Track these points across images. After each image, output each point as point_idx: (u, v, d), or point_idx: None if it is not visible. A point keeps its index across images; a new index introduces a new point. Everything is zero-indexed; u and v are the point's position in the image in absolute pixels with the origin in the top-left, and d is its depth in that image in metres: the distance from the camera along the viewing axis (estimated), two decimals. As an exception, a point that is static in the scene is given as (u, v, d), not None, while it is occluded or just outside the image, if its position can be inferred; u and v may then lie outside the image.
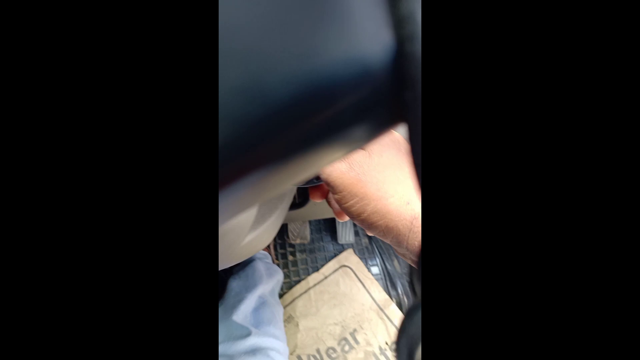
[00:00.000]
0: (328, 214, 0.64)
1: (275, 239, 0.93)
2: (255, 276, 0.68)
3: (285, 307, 0.85)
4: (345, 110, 0.06)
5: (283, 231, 0.92)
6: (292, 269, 0.92)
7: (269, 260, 0.81)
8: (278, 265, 0.87)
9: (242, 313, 0.59)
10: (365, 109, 0.06)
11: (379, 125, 0.07)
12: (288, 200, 0.36)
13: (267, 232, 0.30)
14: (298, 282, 0.90)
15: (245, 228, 0.24)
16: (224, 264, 0.27)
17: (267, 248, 0.85)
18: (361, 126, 0.06)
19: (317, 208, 0.54)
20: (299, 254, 0.93)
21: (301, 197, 0.52)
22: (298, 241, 0.90)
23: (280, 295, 0.87)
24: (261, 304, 0.63)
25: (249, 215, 0.24)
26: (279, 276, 0.77)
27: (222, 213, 0.08)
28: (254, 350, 0.52)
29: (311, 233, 0.93)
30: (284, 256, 0.93)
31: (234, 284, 0.66)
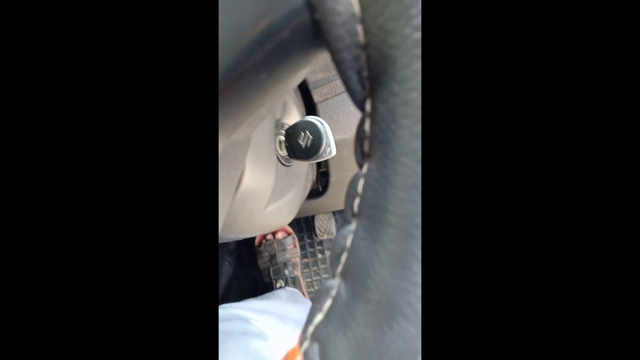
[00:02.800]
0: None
1: (303, 237, 0.97)
2: (272, 298, 0.63)
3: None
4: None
5: (310, 228, 0.96)
6: (321, 266, 0.95)
7: (299, 294, 0.76)
8: (310, 300, 0.80)
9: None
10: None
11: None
12: (306, 182, 0.40)
13: (286, 208, 0.35)
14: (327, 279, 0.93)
15: (265, 196, 0.29)
16: (248, 231, 0.31)
17: (298, 286, 0.82)
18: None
19: (337, 197, 0.57)
20: (327, 251, 0.96)
21: (322, 185, 0.56)
22: (325, 237, 0.93)
23: (311, 293, 0.90)
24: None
25: (267, 185, 0.28)
26: (305, 305, 0.67)
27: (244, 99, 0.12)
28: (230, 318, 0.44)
29: (337, 230, 0.96)
30: (313, 254, 0.96)
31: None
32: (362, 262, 0.10)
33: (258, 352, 0.38)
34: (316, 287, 0.93)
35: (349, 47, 0.09)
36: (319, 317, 0.11)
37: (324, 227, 0.93)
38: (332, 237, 0.94)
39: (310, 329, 0.11)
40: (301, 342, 0.11)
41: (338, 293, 0.11)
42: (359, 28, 0.09)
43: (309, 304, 0.68)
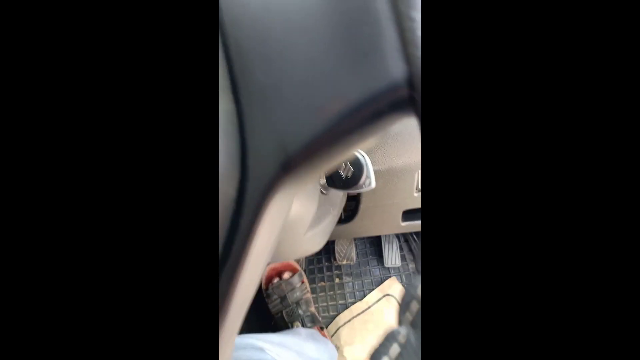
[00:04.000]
0: (374, 231, 0.68)
1: (321, 260, 0.97)
2: (290, 334, 0.63)
3: (331, 336, 0.85)
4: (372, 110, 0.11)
5: (329, 252, 0.95)
6: (337, 292, 0.94)
7: (318, 334, 0.75)
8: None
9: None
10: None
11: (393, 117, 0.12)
12: (338, 211, 0.41)
13: (321, 234, 0.36)
14: (344, 305, 0.92)
15: (307, 222, 0.30)
16: (287, 256, 0.32)
17: (319, 328, 0.81)
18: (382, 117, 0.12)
19: (363, 224, 0.58)
20: (345, 277, 0.95)
21: (348, 212, 0.57)
22: (345, 262, 0.93)
23: (326, 325, 0.88)
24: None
25: (310, 211, 0.30)
26: (324, 345, 0.64)
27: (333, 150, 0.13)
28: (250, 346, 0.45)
29: (357, 257, 0.95)
30: (330, 278, 0.95)
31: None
32: None
33: None
34: (332, 312, 0.91)
35: None
36: None
37: (344, 252, 0.92)
38: (351, 262, 0.94)
39: None
40: None
41: (407, 341, 0.11)
42: None
43: (328, 343, 0.67)
